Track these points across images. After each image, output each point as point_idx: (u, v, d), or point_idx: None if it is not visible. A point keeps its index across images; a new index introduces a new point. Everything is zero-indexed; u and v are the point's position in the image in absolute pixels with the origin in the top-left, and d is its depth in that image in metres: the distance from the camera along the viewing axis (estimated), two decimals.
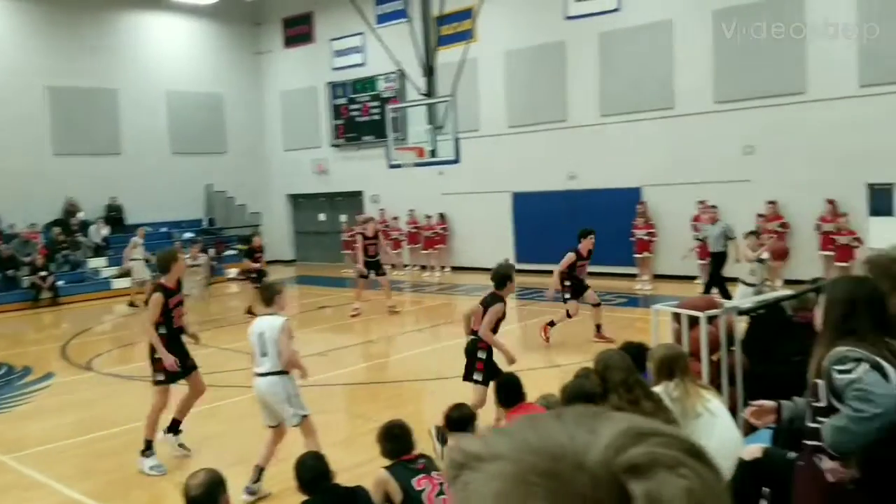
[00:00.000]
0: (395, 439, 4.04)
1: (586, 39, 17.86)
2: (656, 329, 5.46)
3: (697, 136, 16.23)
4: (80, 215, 21.00)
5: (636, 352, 4.14)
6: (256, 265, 15.76)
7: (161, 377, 7.03)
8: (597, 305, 11.53)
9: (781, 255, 13.35)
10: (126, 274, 18.16)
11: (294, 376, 6.15)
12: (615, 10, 17.37)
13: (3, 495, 6.50)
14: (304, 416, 6.14)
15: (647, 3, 16.91)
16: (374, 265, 14.43)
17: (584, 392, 3.77)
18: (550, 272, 18.42)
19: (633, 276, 16.52)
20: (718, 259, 13.41)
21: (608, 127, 17.67)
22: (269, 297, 6.14)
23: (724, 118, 15.88)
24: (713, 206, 14.96)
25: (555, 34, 18.42)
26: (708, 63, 16.02)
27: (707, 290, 12.79)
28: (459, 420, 4.09)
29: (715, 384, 4.81)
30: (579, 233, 11.89)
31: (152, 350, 6.98)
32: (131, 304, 17.01)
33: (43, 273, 18.27)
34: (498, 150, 19.67)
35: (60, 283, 18.44)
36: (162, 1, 22.58)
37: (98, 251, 20.53)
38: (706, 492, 0.60)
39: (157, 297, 6.93)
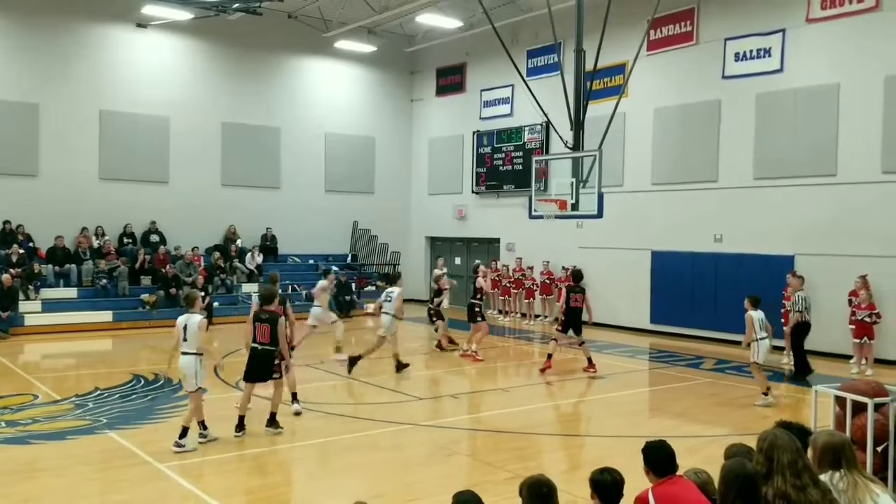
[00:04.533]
0: (543, 498, 3.84)
1: (743, 100, 17.41)
2: (816, 412, 5.20)
3: (862, 207, 15.34)
4: (239, 243, 22.51)
5: (797, 434, 3.95)
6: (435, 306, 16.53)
7: None
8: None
9: None
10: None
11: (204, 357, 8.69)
12: (777, 71, 16.86)
13: (160, 503, 6.99)
14: (200, 388, 8.67)
15: (813, 65, 16.30)
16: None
17: (745, 472, 3.62)
18: (687, 336, 17.96)
19: (779, 349, 15.67)
20: None
21: (762, 191, 17.05)
22: (190, 301, 9.00)
23: (894, 189, 14.94)
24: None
25: (710, 93, 18.09)
26: (877, 130, 15.19)
27: None
28: (613, 485, 3.98)
29: (880, 477, 4.52)
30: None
31: None
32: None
33: (202, 293, 19.64)
34: (640, 206, 19.41)
35: (216, 304, 19.75)
36: (328, 48, 24.07)
37: (251, 277, 21.85)
38: None
39: None
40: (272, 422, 9.29)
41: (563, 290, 14.69)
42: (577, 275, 14.87)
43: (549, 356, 13.88)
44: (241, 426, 9.08)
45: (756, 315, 11.34)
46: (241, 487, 7.52)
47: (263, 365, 9.23)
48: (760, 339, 11.24)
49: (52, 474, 7.65)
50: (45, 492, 7.18)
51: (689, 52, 18.60)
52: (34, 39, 19.98)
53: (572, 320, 13.97)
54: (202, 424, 8.72)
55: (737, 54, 17.64)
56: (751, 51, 17.40)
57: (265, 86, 23.67)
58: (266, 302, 9.39)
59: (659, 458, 4.12)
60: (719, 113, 17.96)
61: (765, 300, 15.64)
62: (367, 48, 24.43)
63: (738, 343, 16.82)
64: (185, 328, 8.68)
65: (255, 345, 9.19)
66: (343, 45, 24.01)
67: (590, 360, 13.94)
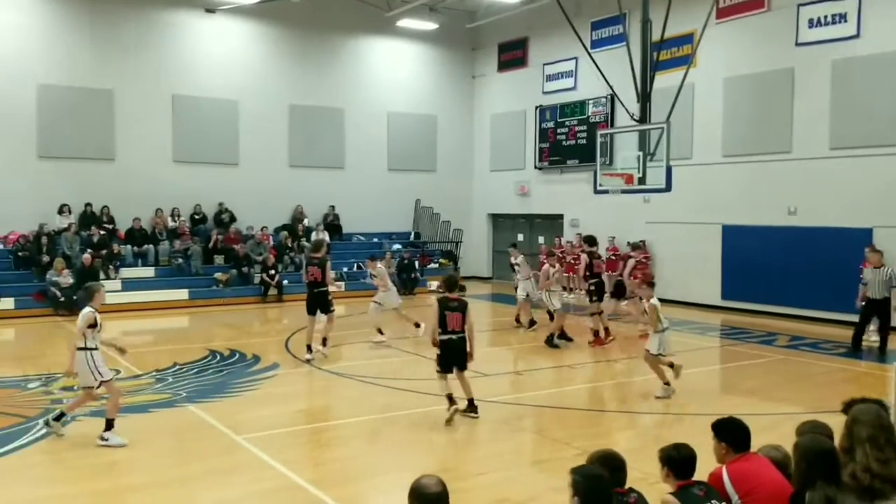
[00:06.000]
0: (615, 471, 3.85)
1: (818, 67, 16.76)
2: (895, 389, 5.04)
3: None
4: (306, 222, 22.95)
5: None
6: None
7: None
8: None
9: None
10: None
11: (98, 352, 8.10)
12: (854, 37, 16.15)
13: (238, 472, 7.26)
14: (95, 385, 8.06)
15: (891, 29, 15.55)
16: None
17: (825, 448, 3.56)
18: (759, 312, 17.53)
19: (849, 324, 15.12)
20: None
21: (839, 161, 16.43)
22: (87, 294, 8.33)
23: None
24: None
25: (783, 61, 17.45)
26: None
27: None
28: (689, 460, 3.96)
29: None
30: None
31: None
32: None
33: (272, 272, 20.18)
34: (710, 179, 18.95)
35: (285, 282, 20.23)
36: (390, 27, 24.13)
37: None
38: None
39: None
40: (470, 407, 8.91)
41: (583, 258, 14.53)
42: (590, 240, 14.68)
43: (596, 333, 13.88)
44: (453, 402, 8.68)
45: (657, 303, 10.27)
46: (312, 459, 7.75)
47: (460, 354, 8.82)
48: (664, 329, 10.16)
49: (135, 445, 7.99)
50: (129, 462, 7.53)
51: (761, 18, 17.96)
52: (107, 26, 20.62)
53: (598, 287, 14.08)
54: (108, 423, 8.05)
55: (811, 20, 16.94)
56: (825, 16, 16.69)
57: (329, 67, 23.92)
58: (451, 289, 9.06)
59: (735, 433, 4.07)
60: (793, 81, 17.33)
61: (841, 275, 15.22)
62: (429, 26, 24.38)
63: (813, 319, 16.43)
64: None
65: (450, 335, 8.74)
66: (405, 23, 24.02)
67: (596, 333, 13.96)
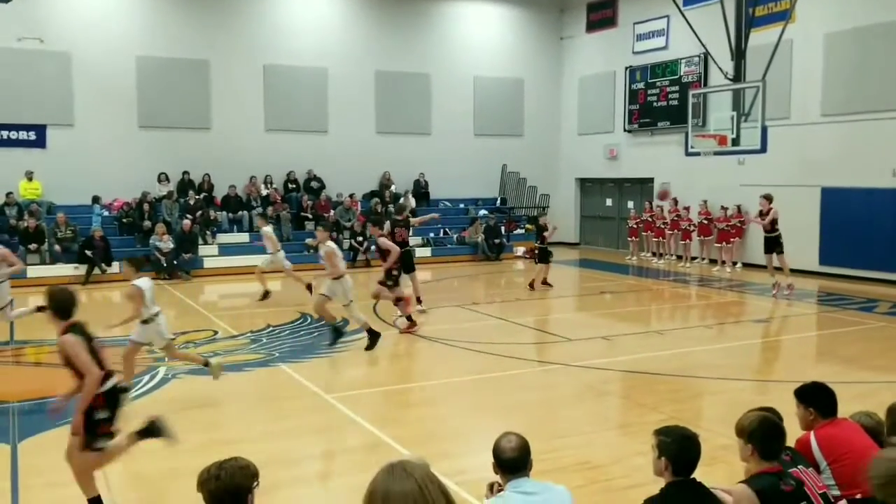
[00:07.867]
0: (775, 438, 3.50)
1: None
2: None
3: None
4: (393, 188, 23.24)
5: None
6: (539, 244, 16.27)
7: None
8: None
9: None
10: None
11: None
12: None
13: (327, 429, 7.56)
14: None
15: None
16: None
17: None
18: (859, 278, 16.75)
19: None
20: None
21: None
22: None
23: None
24: None
25: (890, 13, 16.38)
26: None
27: None
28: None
29: None
30: None
31: None
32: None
33: (360, 238, 20.58)
34: (809, 140, 18.09)
35: (373, 247, 20.55)
36: None
37: None
38: None
39: None
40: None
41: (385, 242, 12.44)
42: (376, 220, 13.53)
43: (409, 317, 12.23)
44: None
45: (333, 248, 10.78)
46: (399, 418, 7.96)
47: None
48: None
49: (231, 402, 8.40)
50: (226, 418, 7.94)
51: None
52: None
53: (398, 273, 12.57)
54: None
55: None
56: None
57: (415, 32, 23.94)
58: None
59: (822, 398, 3.96)
60: None
61: None
62: None
63: None
64: None
65: None
66: None
67: (409, 317, 12.15)
